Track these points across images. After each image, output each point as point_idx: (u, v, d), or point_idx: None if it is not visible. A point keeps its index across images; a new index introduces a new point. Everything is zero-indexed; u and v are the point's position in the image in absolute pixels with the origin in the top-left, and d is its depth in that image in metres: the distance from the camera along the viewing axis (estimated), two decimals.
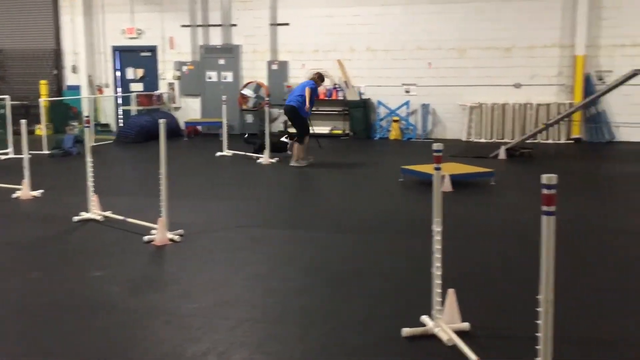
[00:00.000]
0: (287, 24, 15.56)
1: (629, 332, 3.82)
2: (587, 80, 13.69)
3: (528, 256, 4.94)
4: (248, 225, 6.58)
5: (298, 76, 15.53)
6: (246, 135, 12.73)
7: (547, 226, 2.52)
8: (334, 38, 15.17)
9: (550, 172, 2.59)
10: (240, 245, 5.83)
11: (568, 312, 4.00)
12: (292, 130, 15.36)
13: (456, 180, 8.36)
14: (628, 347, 3.62)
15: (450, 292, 3.76)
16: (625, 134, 13.61)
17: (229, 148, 12.08)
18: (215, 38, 16.19)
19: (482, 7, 14.20)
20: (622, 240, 5.92)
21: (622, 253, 5.52)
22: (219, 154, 12.02)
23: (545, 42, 13.95)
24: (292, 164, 10.61)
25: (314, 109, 11.22)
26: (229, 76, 16.11)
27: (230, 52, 16.05)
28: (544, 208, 2.52)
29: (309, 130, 10.74)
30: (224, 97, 12.91)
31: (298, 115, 10.53)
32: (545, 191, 2.50)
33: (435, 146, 3.72)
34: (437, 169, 3.71)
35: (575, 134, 13.90)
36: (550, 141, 13.75)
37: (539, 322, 2.64)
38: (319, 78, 10.78)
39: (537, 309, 2.66)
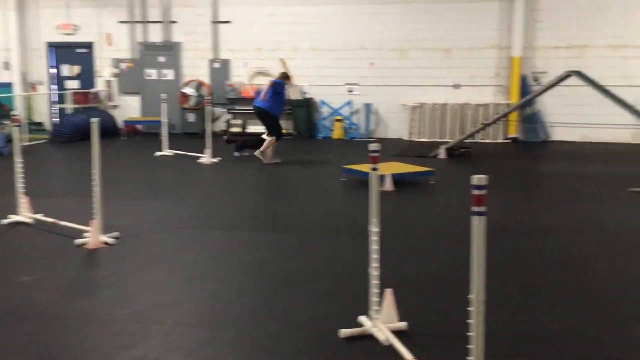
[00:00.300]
0: (229, 22, 15.38)
1: (561, 328, 3.92)
2: (523, 81, 14.09)
3: (465, 255, 5.01)
4: (187, 226, 6.45)
5: (240, 75, 15.41)
6: (225, 137, 12.51)
7: (478, 226, 2.54)
8: (277, 37, 15.09)
9: (487, 171, 2.63)
10: (178, 247, 5.70)
11: (501, 310, 4.08)
12: (235, 129, 15.22)
13: (397, 179, 8.45)
14: (560, 342, 3.71)
15: (388, 292, 3.77)
16: (560, 134, 14.06)
17: (170, 147, 11.85)
18: (155, 35, 15.84)
19: (423, 8, 14.40)
20: (553, 239, 6.08)
21: (553, 251, 5.67)
22: (158, 153, 11.76)
23: (483, 43, 14.27)
24: (258, 153, 10.58)
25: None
26: (169, 74, 15.79)
27: (170, 50, 15.74)
28: (474, 208, 2.54)
29: (280, 131, 10.71)
30: (164, 96, 12.65)
31: (268, 116, 10.47)
32: (475, 192, 2.53)
33: (372, 146, 3.72)
34: (374, 169, 3.71)
35: (512, 134, 14.29)
36: (488, 141, 14.07)
37: (470, 320, 2.66)
38: (285, 77, 10.77)
39: (469, 308, 2.69)
